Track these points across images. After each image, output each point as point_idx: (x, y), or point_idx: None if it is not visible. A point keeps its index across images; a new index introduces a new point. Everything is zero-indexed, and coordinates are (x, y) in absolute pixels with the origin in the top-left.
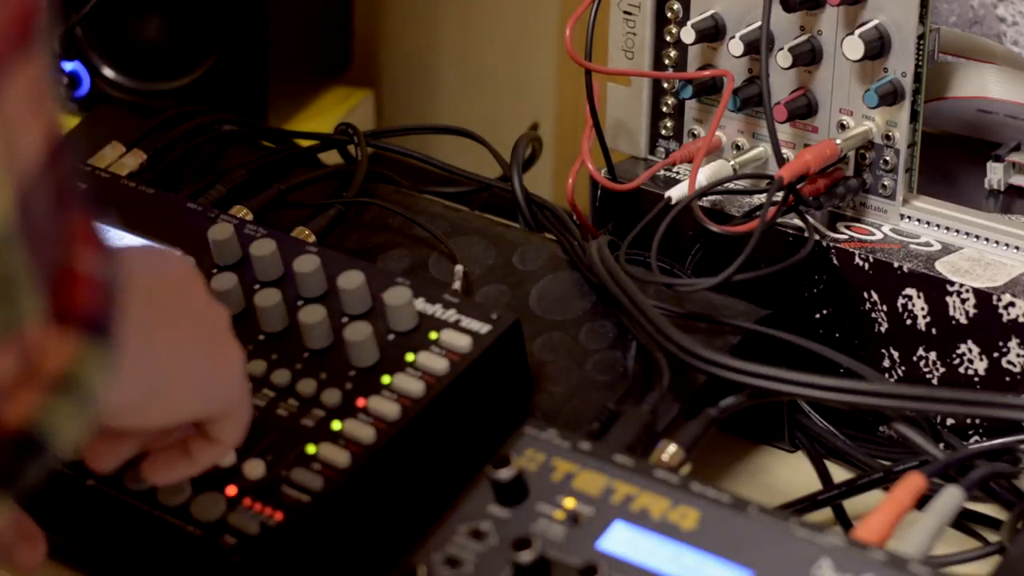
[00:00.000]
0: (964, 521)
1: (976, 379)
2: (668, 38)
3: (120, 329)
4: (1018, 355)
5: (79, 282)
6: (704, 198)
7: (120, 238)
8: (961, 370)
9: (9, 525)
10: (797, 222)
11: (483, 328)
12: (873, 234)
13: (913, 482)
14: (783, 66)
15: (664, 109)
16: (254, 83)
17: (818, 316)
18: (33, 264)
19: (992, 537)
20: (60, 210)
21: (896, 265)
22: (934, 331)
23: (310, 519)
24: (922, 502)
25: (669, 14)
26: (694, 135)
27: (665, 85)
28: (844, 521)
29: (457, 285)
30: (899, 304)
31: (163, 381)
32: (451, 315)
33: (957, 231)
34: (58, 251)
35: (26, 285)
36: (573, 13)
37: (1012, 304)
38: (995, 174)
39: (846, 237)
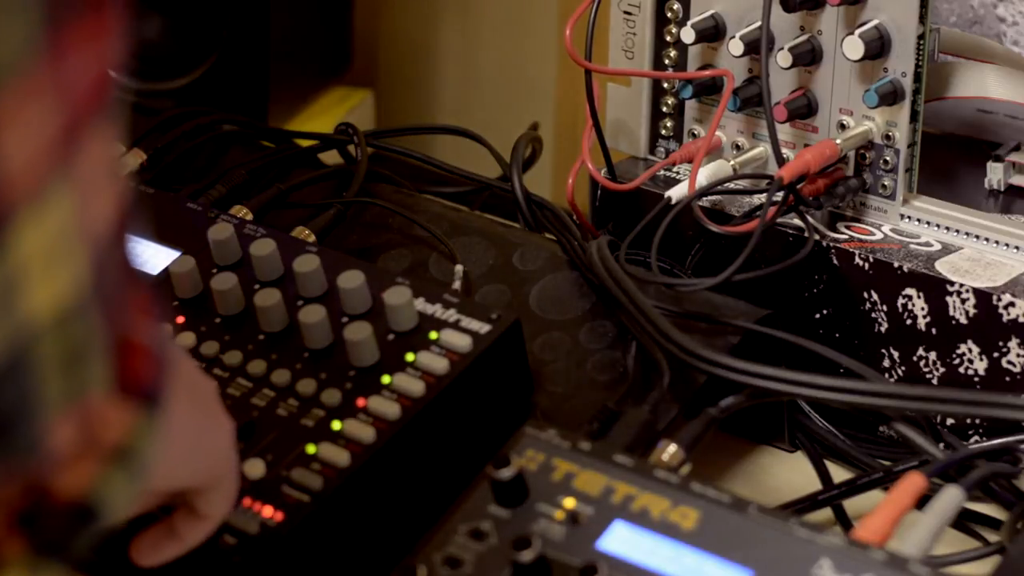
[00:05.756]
0: (964, 521)
1: (976, 379)
2: (668, 38)
3: (168, 400)
4: (1018, 355)
5: (138, 353)
6: (704, 198)
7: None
8: (961, 370)
9: None
10: (797, 222)
11: (483, 328)
12: (873, 234)
13: (913, 482)
14: (783, 66)
15: (664, 109)
16: (254, 83)
17: (818, 316)
18: (104, 333)
19: (992, 537)
20: (127, 279)
21: (896, 265)
22: (934, 331)
23: (310, 519)
24: (922, 502)
25: (669, 14)
26: (694, 135)
27: (665, 85)
28: (844, 521)
29: (457, 285)
30: (899, 304)
31: None
32: (451, 315)
33: (957, 231)
34: (124, 321)
35: (96, 354)
36: (573, 13)
37: (1012, 304)
38: (995, 174)
39: (846, 237)
